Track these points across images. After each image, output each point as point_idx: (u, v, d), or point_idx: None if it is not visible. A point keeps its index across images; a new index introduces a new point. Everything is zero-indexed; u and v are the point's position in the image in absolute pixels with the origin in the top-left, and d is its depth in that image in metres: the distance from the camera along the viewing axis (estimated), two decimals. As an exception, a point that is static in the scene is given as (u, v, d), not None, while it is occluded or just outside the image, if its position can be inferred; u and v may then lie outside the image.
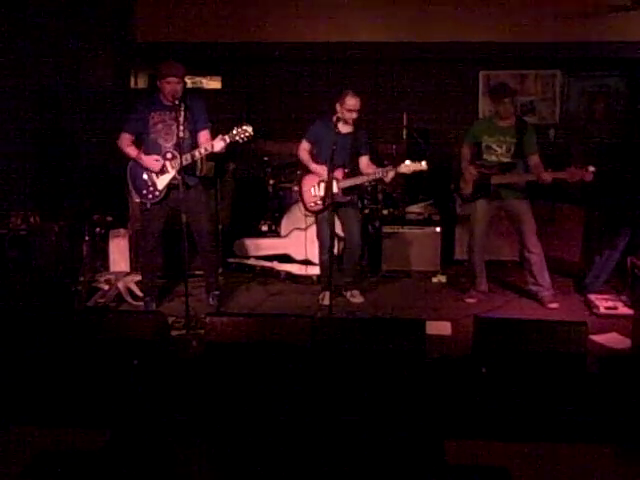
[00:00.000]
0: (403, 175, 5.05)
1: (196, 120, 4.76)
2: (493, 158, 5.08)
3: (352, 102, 4.96)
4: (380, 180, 5.30)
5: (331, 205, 4.71)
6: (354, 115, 5.00)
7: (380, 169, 5.10)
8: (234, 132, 4.57)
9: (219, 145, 4.60)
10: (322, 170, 5.03)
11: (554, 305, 5.07)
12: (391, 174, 4.97)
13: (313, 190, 5.20)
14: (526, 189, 5.11)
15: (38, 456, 2.36)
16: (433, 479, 2.32)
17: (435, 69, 7.74)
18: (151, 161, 4.74)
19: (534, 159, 4.99)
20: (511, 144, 5.02)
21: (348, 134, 5.07)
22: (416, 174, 4.96)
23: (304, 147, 5.22)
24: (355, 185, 5.16)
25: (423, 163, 4.90)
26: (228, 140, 4.58)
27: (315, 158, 5.20)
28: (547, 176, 4.78)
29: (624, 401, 2.95)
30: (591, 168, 4.59)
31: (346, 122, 5.02)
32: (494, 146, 5.07)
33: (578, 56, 7.43)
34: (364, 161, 5.21)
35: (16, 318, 3.70)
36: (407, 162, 4.90)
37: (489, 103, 7.70)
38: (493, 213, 5.23)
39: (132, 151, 4.79)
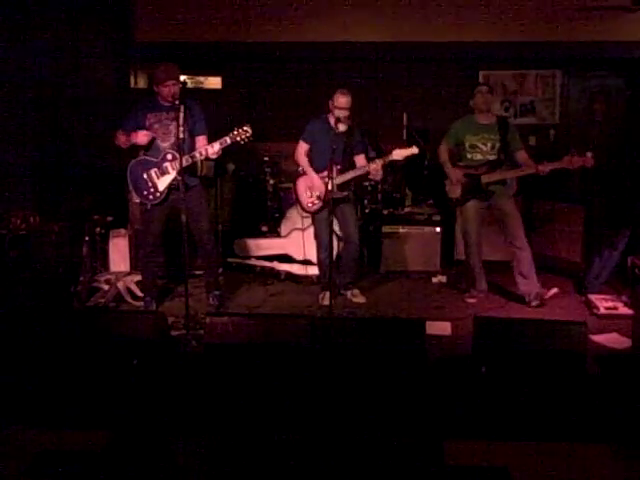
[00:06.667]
0: (400, 170, 5.07)
1: (194, 124, 4.76)
2: (479, 157, 5.04)
3: (343, 100, 4.97)
4: (369, 174, 5.18)
5: (330, 204, 4.72)
6: (345, 113, 4.99)
7: (366, 164, 5.09)
8: (234, 132, 4.57)
9: (216, 147, 4.60)
10: (318, 180, 5.08)
11: (552, 291, 5.00)
12: (373, 166, 4.97)
13: (309, 191, 5.21)
14: (512, 188, 5.09)
15: (38, 456, 2.36)
16: (433, 479, 2.32)
17: (435, 69, 7.74)
18: (140, 136, 4.68)
19: (522, 155, 4.97)
20: (496, 141, 5.00)
21: (344, 133, 5.08)
22: (412, 168, 4.97)
23: (302, 149, 5.21)
24: (349, 180, 5.15)
25: (414, 147, 4.92)
26: (229, 141, 4.59)
27: (311, 158, 5.20)
28: (545, 167, 4.73)
29: (624, 401, 2.95)
30: (589, 153, 4.55)
31: (342, 121, 5.03)
32: (479, 144, 5.04)
33: (578, 56, 7.43)
34: (360, 160, 5.22)
35: (16, 318, 3.70)
36: (397, 150, 4.94)
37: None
38: (484, 212, 5.20)
39: (121, 136, 4.74)
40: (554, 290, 5.04)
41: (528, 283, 5.08)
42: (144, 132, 4.69)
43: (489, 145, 5.02)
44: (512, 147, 4.97)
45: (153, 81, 4.76)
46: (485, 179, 4.98)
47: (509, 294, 5.48)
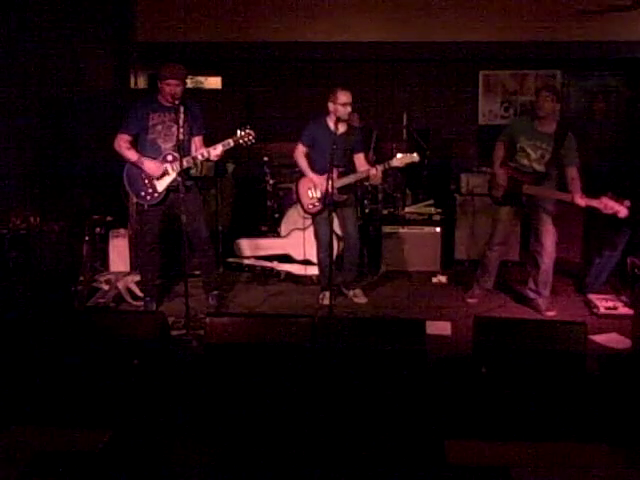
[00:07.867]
0: (400, 171, 5.08)
1: (193, 125, 4.76)
2: (525, 162, 4.87)
3: (344, 96, 4.96)
4: (369, 179, 5.27)
5: (330, 205, 4.72)
6: (349, 109, 4.99)
7: (367, 168, 5.10)
8: (237, 135, 4.57)
9: (219, 150, 4.61)
10: (319, 179, 5.08)
11: (551, 313, 4.93)
12: (373, 171, 4.99)
13: (310, 192, 5.21)
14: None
15: (38, 456, 2.36)
16: (433, 479, 2.32)
17: (435, 69, 7.74)
18: (152, 167, 4.72)
19: (572, 172, 4.72)
20: (546, 152, 4.78)
21: (343, 134, 5.08)
22: (412, 168, 4.97)
23: (301, 150, 5.20)
24: (349, 184, 5.16)
25: (415, 154, 4.93)
26: (232, 144, 4.59)
27: (312, 160, 5.20)
28: (582, 202, 4.55)
29: (624, 401, 2.95)
30: (627, 203, 4.42)
31: (344, 121, 5.02)
32: (529, 149, 4.85)
33: (578, 56, 7.43)
34: (360, 159, 5.22)
35: (16, 318, 3.70)
36: (398, 155, 4.96)
37: (490, 103, 7.76)
38: (518, 217, 5.13)
39: (132, 155, 4.74)
40: (552, 313, 4.97)
41: (536, 291, 4.98)
42: (157, 164, 4.71)
43: (538, 153, 4.83)
44: (564, 161, 4.76)
45: (157, 77, 4.75)
46: (526, 190, 4.83)
47: (509, 294, 5.48)
